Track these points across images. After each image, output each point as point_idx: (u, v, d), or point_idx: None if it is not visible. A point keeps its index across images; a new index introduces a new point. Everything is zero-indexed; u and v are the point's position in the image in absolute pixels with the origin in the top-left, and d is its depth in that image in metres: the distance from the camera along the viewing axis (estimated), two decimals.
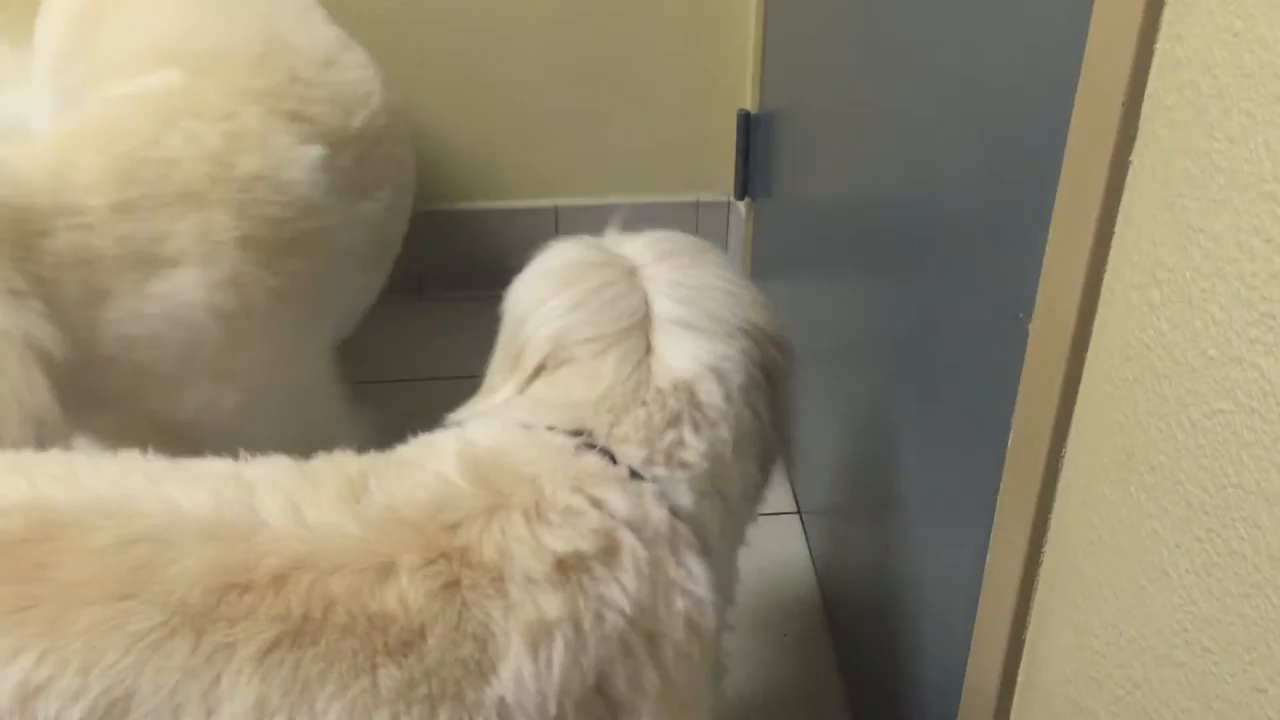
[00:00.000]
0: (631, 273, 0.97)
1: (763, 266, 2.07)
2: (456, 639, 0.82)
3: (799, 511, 1.80)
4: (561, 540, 0.85)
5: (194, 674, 0.77)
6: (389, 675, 0.80)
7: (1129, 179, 0.71)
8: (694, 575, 0.91)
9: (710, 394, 0.93)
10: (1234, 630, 0.63)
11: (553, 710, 0.84)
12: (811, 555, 1.73)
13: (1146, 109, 0.68)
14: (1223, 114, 0.61)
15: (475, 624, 0.83)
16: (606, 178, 2.19)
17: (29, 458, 0.87)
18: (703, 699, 0.95)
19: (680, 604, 0.90)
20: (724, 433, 0.94)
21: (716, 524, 0.95)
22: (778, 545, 1.74)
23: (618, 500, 0.88)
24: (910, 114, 1.18)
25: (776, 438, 1.04)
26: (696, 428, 0.93)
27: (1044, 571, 0.88)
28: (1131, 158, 0.70)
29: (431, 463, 0.90)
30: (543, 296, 0.99)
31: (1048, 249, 0.81)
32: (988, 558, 0.96)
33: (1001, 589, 0.93)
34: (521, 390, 0.98)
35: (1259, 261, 0.59)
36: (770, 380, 1.01)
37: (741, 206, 2.14)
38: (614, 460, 0.91)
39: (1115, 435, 0.75)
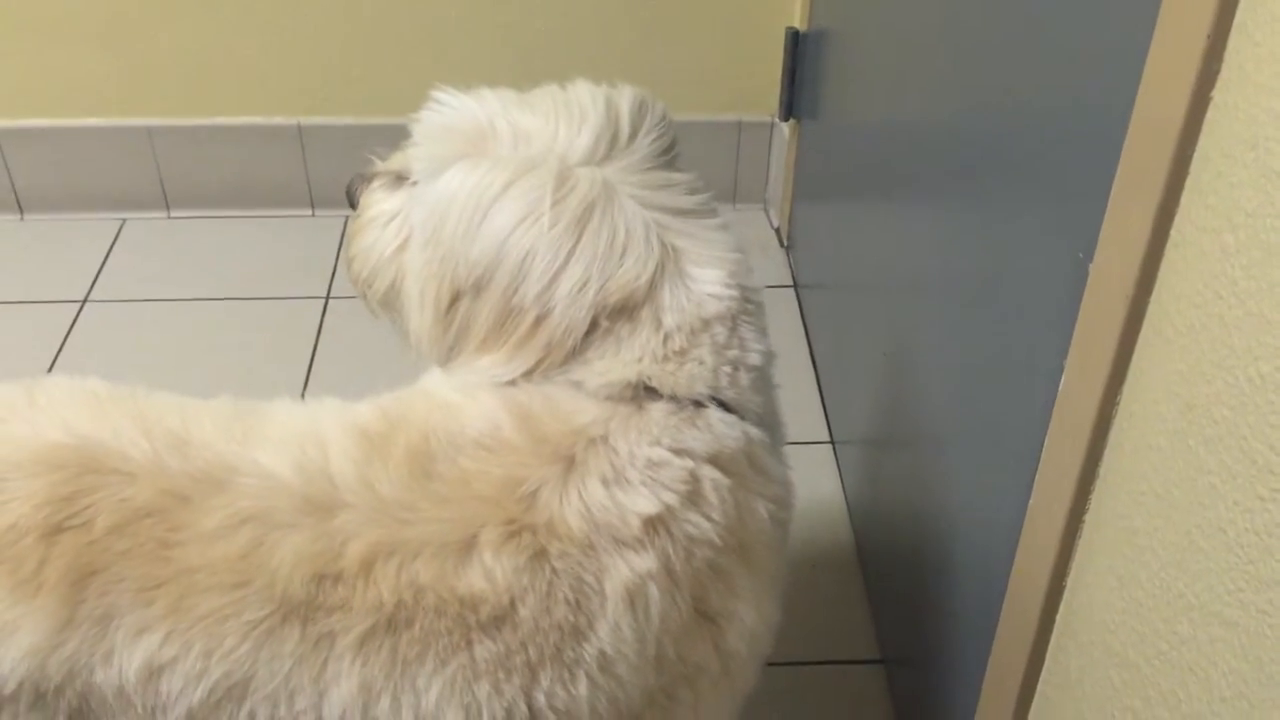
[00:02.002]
0: (609, 194, 0.86)
1: (806, 189, 2.02)
2: (549, 605, 0.83)
3: (832, 441, 1.78)
4: (645, 500, 0.85)
5: (304, 660, 0.81)
6: (485, 649, 0.82)
7: (1209, 115, 0.67)
8: (770, 475, 0.92)
9: (748, 280, 0.91)
10: None
11: (652, 651, 0.86)
12: (844, 486, 1.72)
13: (1233, 42, 0.64)
14: None
15: (567, 590, 0.83)
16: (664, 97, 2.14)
17: (148, 407, 0.87)
18: (784, 565, 0.98)
19: (763, 509, 0.91)
20: (762, 316, 0.93)
21: (770, 400, 0.96)
22: (809, 475, 1.73)
23: (694, 441, 0.87)
24: (970, 34, 1.13)
25: None
26: (751, 321, 0.91)
27: (1089, 518, 0.86)
28: (1213, 94, 0.66)
29: (481, 419, 0.86)
30: (535, 250, 0.85)
31: (1115, 186, 0.77)
32: (1030, 500, 0.94)
33: (1043, 533, 0.91)
34: (518, 359, 0.88)
35: None
36: None
37: (786, 128, 2.09)
38: (678, 400, 0.88)
39: (1175, 384, 0.72)
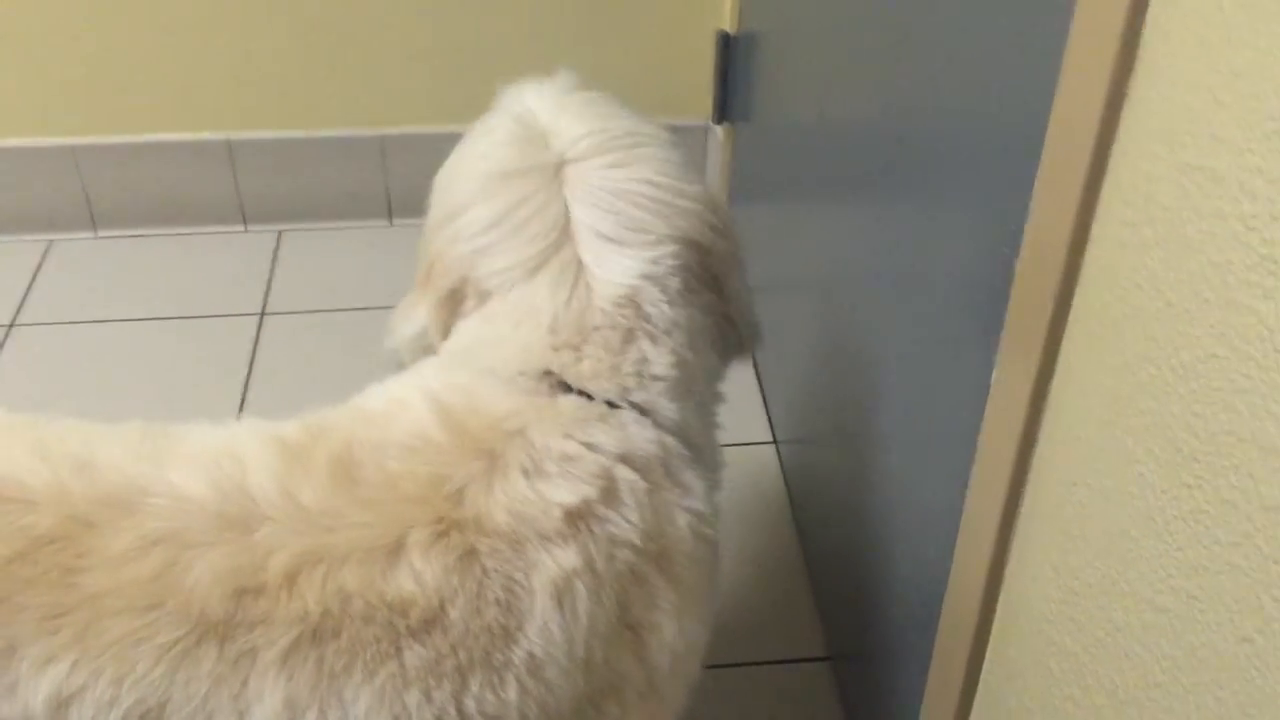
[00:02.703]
0: (554, 175, 0.91)
1: (741, 192, 2.03)
2: (479, 607, 0.82)
3: (775, 441, 1.79)
4: (565, 491, 0.85)
5: (222, 680, 0.78)
6: (415, 655, 0.81)
7: (1125, 111, 0.68)
8: (690, 489, 0.92)
9: (654, 302, 0.90)
10: (1222, 579, 0.62)
11: (581, 653, 0.86)
12: (787, 485, 1.73)
13: (1147, 38, 0.65)
14: (1227, 46, 0.58)
15: (498, 590, 0.83)
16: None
17: (48, 434, 0.85)
18: (713, 588, 0.97)
19: (683, 519, 0.90)
20: (680, 336, 0.92)
21: (697, 421, 0.96)
22: (753, 475, 1.74)
23: (604, 437, 0.87)
24: (897, 36, 1.14)
25: (738, 328, 1.00)
26: (653, 339, 0.90)
27: (1024, 511, 0.87)
28: (1128, 89, 0.67)
29: (409, 423, 0.87)
30: (461, 204, 0.93)
31: (1037, 182, 0.78)
32: (968, 495, 0.95)
33: (981, 526, 0.92)
34: (440, 314, 0.95)
35: (1260, 203, 0.56)
36: (715, 276, 0.96)
37: (720, 131, 2.10)
38: (590, 396, 0.89)
39: (1103, 377, 0.73)
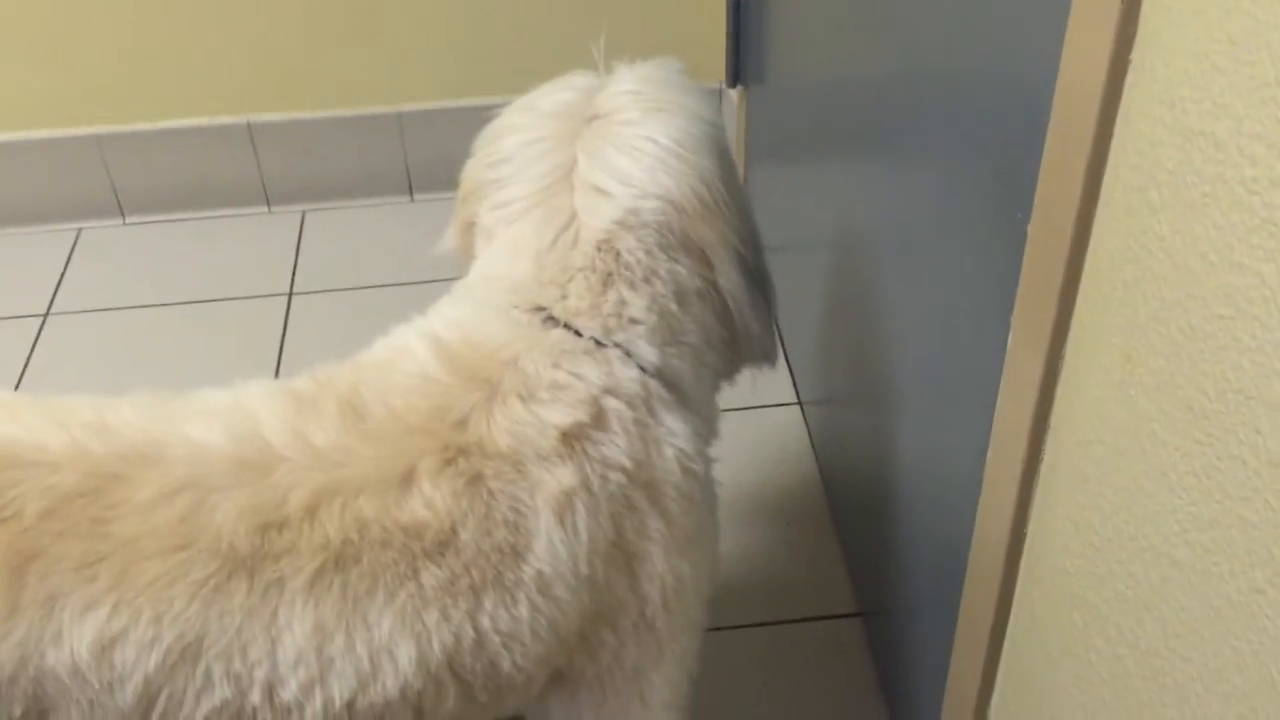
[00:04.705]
0: (580, 125, 0.96)
1: (757, 154, 2.04)
2: (489, 528, 0.87)
3: (800, 402, 1.81)
4: (559, 414, 0.90)
5: (254, 611, 0.82)
6: (431, 575, 0.85)
7: (1128, 78, 0.69)
8: (673, 431, 0.95)
9: (631, 250, 0.94)
10: (1233, 533, 0.64)
11: (584, 570, 0.90)
12: (813, 446, 1.75)
13: (1146, 6, 0.66)
14: (1224, 14, 0.59)
15: (505, 510, 0.87)
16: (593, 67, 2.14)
17: (59, 405, 0.88)
18: (704, 532, 1.01)
19: (670, 451, 0.95)
20: (660, 286, 0.95)
21: (689, 371, 0.98)
22: (779, 436, 1.76)
23: (590, 370, 0.92)
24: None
25: (741, 303, 1.02)
26: (631, 285, 0.94)
27: (1044, 468, 0.88)
28: (1131, 56, 0.68)
29: (410, 364, 0.92)
30: (496, 132, 1.00)
31: (1045, 148, 0.79)
32: (989, 452, 0.96)
33: (1002, 483, 0.94)
34: (461, 240, 1.03)
35: (1260, 167, 0.58)
36: (700, 248, 0.98)
37: (734, 94, 2.10)
38: (578, 333, 0.94)
39: (1114, 337, 0.74)
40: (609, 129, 0.96)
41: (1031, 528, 0.92)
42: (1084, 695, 0.86)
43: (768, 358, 1.08)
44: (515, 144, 0.98)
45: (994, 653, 1.02)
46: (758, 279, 1.02)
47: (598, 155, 0.95)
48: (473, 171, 1.01)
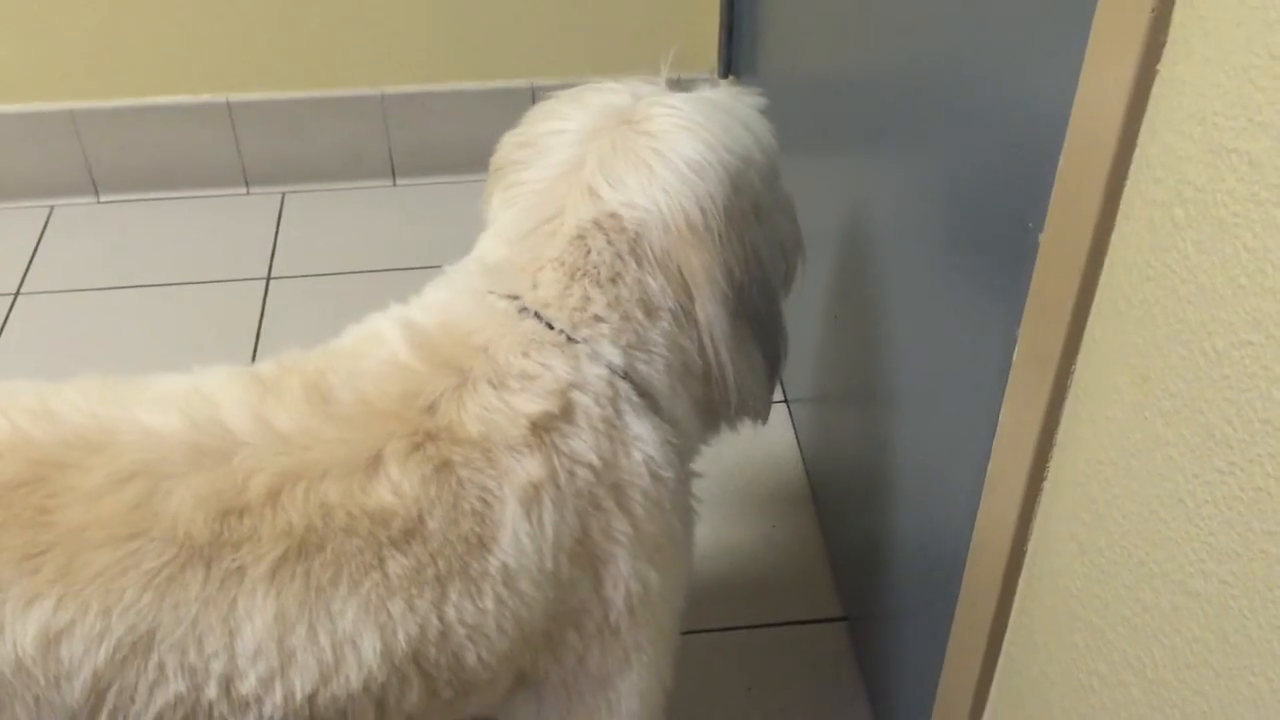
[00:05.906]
0: (604, 128, 0.95)
1: None
2: (456, 517, 0.85)
3: (786, 400, 1.78)
4: (528, 402, 0.88)
5: (211, 601, 0.79)
6: (397, 564, 0.83)
7: (1155, 89, 0.66)
8: (640, 436, 0.93)
9: (600, 249, 0.93)
10: (1255, 566, 0.62)
11: (549, 565, 0.88)
12: (799, 445, 1.72)
13: (1179, 16, 0.63)
14: (1265, 27, 0.56)
15: (473, 499, 0.85)
16: (584, 55, 2.11)
17: None
18: (675, 541, 0.99)
19: (639, 455, 0.93)
20: (624, 291, 0.93)
21: (661, 381, 0.96)
22: (765, 433, 1.73)
23: (559, 363, 0.90)
24: None
25: (718, 340, 0.97)
26: (597, 283, 0.93)
27: (1048, 485, 0.86)
28: (1159, 67, 0.66)
29: (380, 350, 0.91)
30: (529, 118, 1.00)
31: (1062, 156, 0.76)
32: (990, 464, 0.94)
33: (1004, 496, 0.92)
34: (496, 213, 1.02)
35: None
36: (679, 269, 0.94)
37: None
38: (550, 325, 0.92)
39: (1130, 356, 0.72)
40: (628, 137, 0.94)
41: (1032, 545, 0.90)
42: None
43: (753, 413, 1.04)
44: (545, 130, 0.97)
45: (988, 669, 1.00)
46: (756, 327, 0.99)
47: (604, 159, 0.94)
48: (503, 148, 1.01)
